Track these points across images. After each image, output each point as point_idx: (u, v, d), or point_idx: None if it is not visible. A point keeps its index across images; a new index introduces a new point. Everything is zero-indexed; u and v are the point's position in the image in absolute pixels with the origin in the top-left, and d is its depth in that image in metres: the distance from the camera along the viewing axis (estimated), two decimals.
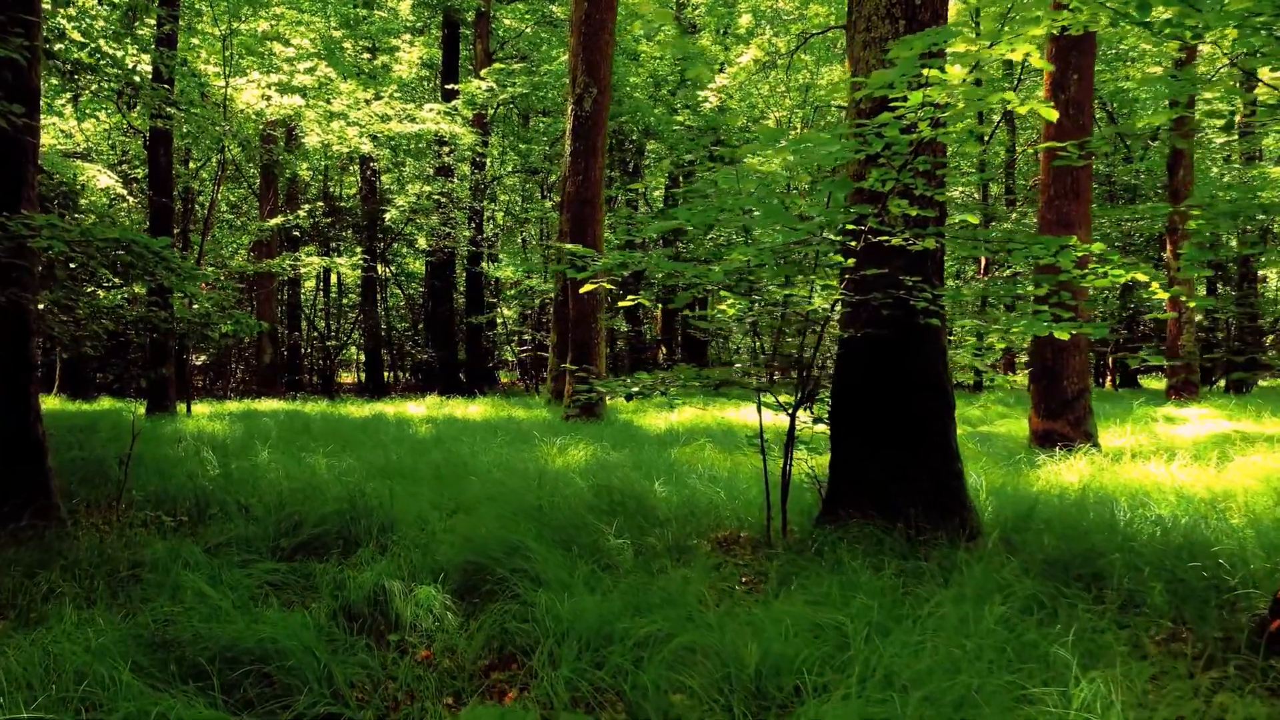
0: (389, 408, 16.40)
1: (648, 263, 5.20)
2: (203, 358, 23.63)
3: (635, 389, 5.27)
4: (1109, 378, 28.58)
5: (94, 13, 12.27)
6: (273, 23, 18.43)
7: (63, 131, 20.04)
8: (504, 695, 3.54)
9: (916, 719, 2.63)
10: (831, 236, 5.42)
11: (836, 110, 26.27)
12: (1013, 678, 2.83)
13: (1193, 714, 2.84)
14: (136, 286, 13.97)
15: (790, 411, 5.61)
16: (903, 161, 4.99)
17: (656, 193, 31.57)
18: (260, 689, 3.16)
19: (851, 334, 5.47)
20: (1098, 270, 5.04)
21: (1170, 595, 4.18)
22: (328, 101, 19.66)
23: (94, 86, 12.43)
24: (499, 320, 27.72)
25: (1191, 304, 5.50)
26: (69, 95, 16.20)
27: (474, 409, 15.83)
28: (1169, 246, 17.83)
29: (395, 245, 26.48)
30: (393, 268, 27.83)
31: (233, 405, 17.07)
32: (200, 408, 15.49)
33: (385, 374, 27.75)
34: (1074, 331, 5.15)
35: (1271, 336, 26.20)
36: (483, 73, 22.27)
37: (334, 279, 31.03)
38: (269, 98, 17.42)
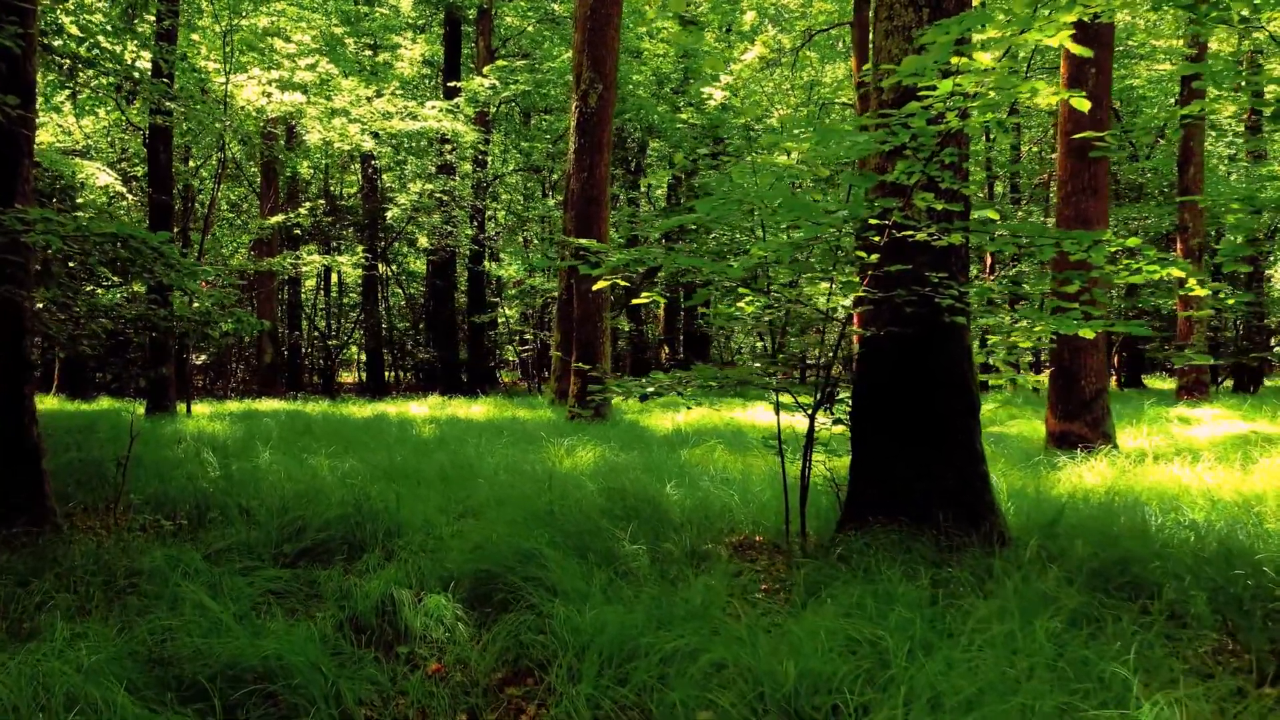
0: (391, 408, 16.22)
1: (664, 258, 5.01)
2: (203, 357, 23.44)
3: (651, 389, 5.08)
4: (1114, 377, 28.41)
5: (92, 6, 12.07)
6: (274, 19, 18.23)
7: (60, 126, 19.86)
8: (520, 712, 3.36)
9: None
10: (852, 231, 5.24)
11: (841, 108, 26.10)
12: (1068, 698, 2.65)
13: None
14: (136, 285, 13.79)
15: (810, 412, 5.43)
16: (930, 153, 4.81)
17: (658, 191, 31.38)
18: (264, 709, 2.98)
19: (874, 332, 5.29)
20: (1131, 266, 4.86)
21: (1212, 604, 4.00)
22: (329, 98, 19.47)
23: (93, 82, 12.26)
24: (500, 320, 27.53)
25: (1230, 300, 5.37)
26: (67, 93, 16.01)
27: (477, 409, 15.64)
28: (1179, 245, 17.63)
29: (396, 244, 26.29)
30: (394, 267, 27.64)
31: (233, 405, 16.89)
32: (200, 408, 15.31)
33: (386, 374, 27.57)
34: (1108, 330, 4.98)
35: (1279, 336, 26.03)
36: (485, 70, 22.08)
37: (335, 278, 30.85)
38: (270, 94, 17.23)
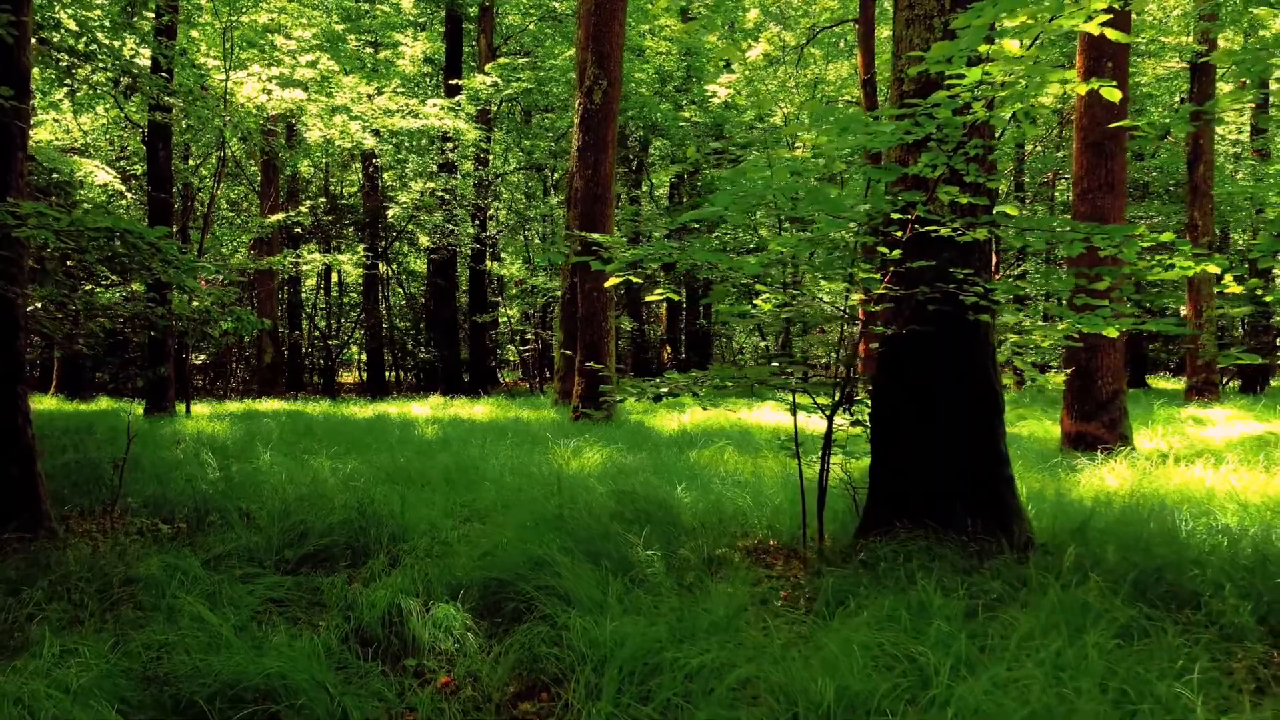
0: (392, 408, 16.03)
1: (679, 254, 4.84)
2: (202, 357, 23.25)
3: (665, 390, 4.90)
4: None
5: (90, 2, 11.88)
6: (274, 15, 18.04)
7: (59, 123, 19.67)
8: None
9: None
10: (873, 227, 5.07)
11: (845, 106, 25.91)
12: None
13: None
14: (135, 284, 13.61)
15: (828, 413, 5.26)
16: (955, 144, 4.64)
17: (660, 191, 31.20)
18: None
19: (896, 330, 5.11)
20: (1164, 262, 4.69)
21: (1255, 614, 3.83)
22: (329, 96, 19.28)
23: (92, 78, 12.07)
24: (502, 319, 27.32)
25: (1269, 299, 5.21)
26: (65, 90, 15.81)
27: (479, 409, 15.46)
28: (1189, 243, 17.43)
29: (397, 243, 26.09)
30: (395, 266, 27.44)
31: (233, 405, 16.71)
32: (200, 408, 15.13)
33: (387, 373, 27.37)
34: (1137, 329, 4.81)
35: None
36: (487, 67, 21.89)
37: (335, 277, 30.64)
38: (270, 91, 17.03)
